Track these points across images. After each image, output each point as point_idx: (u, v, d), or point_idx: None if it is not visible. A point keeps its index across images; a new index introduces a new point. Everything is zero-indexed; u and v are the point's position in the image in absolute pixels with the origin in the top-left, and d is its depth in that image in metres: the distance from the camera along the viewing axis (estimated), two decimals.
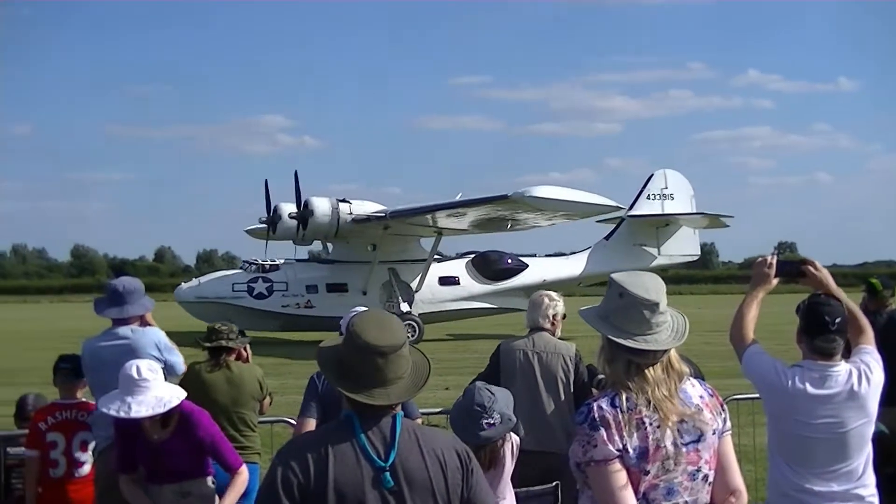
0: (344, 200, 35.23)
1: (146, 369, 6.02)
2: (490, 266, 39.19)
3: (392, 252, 36.86)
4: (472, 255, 39.70)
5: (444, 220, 33.96)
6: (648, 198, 42.02)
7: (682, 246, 42.52)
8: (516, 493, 6.37)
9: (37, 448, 7.43)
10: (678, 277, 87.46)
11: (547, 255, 42.42)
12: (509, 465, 5.96)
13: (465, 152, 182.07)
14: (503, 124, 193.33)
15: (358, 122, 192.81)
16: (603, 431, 3.80)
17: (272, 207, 36.89)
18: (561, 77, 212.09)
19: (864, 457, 5.07)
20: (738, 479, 4.05)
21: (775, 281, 5.25)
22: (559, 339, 7.91)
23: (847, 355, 5.15)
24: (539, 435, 7.50)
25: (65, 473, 7.48)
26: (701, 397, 3.98)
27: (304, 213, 35.02)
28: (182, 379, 8.10)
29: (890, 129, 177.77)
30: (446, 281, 38.30)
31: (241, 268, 37.98)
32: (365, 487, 3.43)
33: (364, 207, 35.38)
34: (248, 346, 8.45)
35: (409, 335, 33.52)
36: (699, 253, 44.44)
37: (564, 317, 8.04)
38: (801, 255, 5.57)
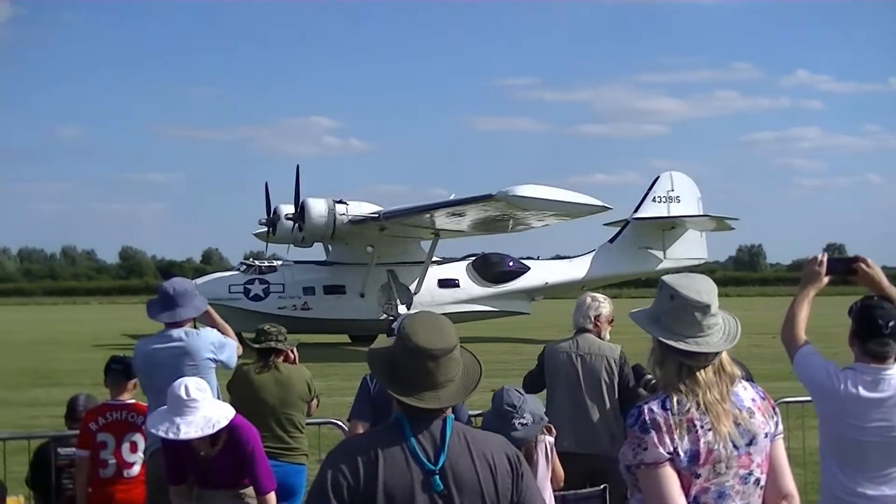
0: (341, 202, 34.99)
1: (194, 388, 5.94)
2: (491, 268, 38.91)
3: (391, 254, 36.63)
4: (474, 258, 39.45)
5: (441, 221, 33.71)
6: (654, 200, 41.55)
7: (689, 249, 41.98)
8: (564, 496, 6.37)
9: (87, 448, 7.49)
10: (725, 280, 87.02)
11: (558, 257, 42.10)
12: (543, 467, 5.96)
13: (512, 153, 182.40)
14: (550, 125, 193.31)
15: (405, 123, 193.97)
16: (654, 434, 3.76)
17: (272, 209, 36.76)
18: (608, 78, 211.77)
19: None
20: (790, 483, 4.01)
21: (826, 279, 5.19)
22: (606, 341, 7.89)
23: None
24: (582, 437, 7.48)
25: (114, 474, 7.53)
26: (753, 400, 3.94)
27: (300, 214, 34.85)
28: (231, 380, 8.17)
29: None
30: (446, 283, 38.05)
31: (238, 269, 37.76)
32: (414, 490, 3.41)
33: (361, 208, 35.14)
34: (295, 348, 8.47)
35: None
36: (706, 256, 43.66)
37: (612, 320, 7.99)
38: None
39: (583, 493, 6.54)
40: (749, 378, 4.58)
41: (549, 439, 6.21)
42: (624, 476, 3.95)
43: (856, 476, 4.98)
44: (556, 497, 6.21)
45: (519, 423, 5.78)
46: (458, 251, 40.80)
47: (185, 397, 5.89)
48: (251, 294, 36.09)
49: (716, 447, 3.78)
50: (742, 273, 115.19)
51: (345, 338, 37.19)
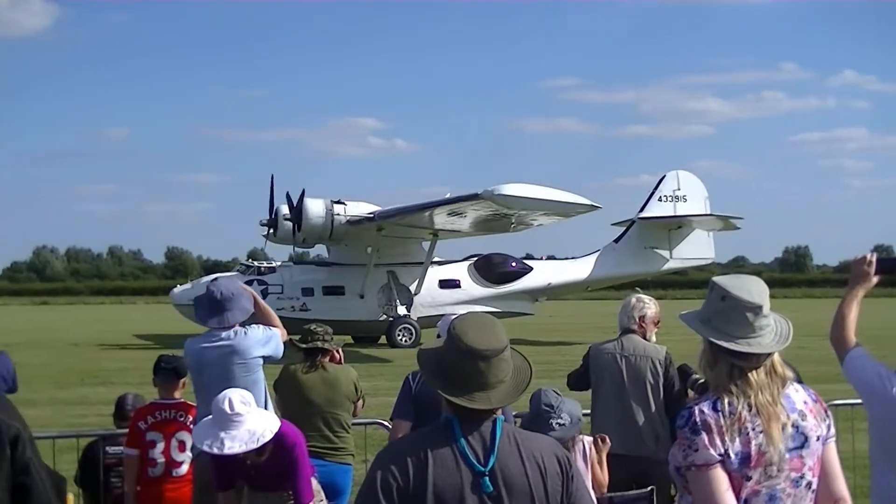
0: (339, 202, 34.73)
1: (239, 402, 5.92)
2: (493, 269, 38.43)
3: (391, 255, 36.32)
4: (475, 258, 39.08)
5: (439, 221, 33.44)
6: (660, 199, 40.81)
7: (696, 249, 41.19)
8: (611, 497, 6.35)
9: (136, 447, 7.55)
10: (771, 281, 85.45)
11: (565, 258, 41.66)
12: (581, 467, 5.95)
13: (558, 155, 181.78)
14: (596, 126, 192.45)
15: (450, 124, 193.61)
16: (704, 436, 3.74)
17: (273, 209, 36.47)
18: (653, 79, 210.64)
19: None
20: (842, 486, 3.96)
21: (875, 279, 5.13)
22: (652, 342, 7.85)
23: None
24: (628, 438, 7.43)
25: (163, 473, 7.59)
26: (805, 402, 3.90)
27: (297, 214, 34.61)
28: (278, 379, 8.21)
29: None
30: (447, 284, 37.59)
31: (237, 270, 37.50)
32: (464, 492, 3.41)
33: (359, 209, 34.84)
34: (341, 348, 8.49)
35: (406, 339, 32.89)
36: (713, 256, 42.73)
37: (658, 321, 7.96)
38: None
39: (630, 495, 6.52)
40: (800, 380, 4.55)
41: (588, 439, 6.20)
42: (673, 478, 3.92)
43: None
44: (602, 499, 6.20)
45: (557, 424, 5.81)
46: (464, 252, 40.50)
47: (229, 411, 5.88)
48: None
49: (767, 449, 3.74)
50: (788, 274, 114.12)
51: (346, 338, 37.16)
